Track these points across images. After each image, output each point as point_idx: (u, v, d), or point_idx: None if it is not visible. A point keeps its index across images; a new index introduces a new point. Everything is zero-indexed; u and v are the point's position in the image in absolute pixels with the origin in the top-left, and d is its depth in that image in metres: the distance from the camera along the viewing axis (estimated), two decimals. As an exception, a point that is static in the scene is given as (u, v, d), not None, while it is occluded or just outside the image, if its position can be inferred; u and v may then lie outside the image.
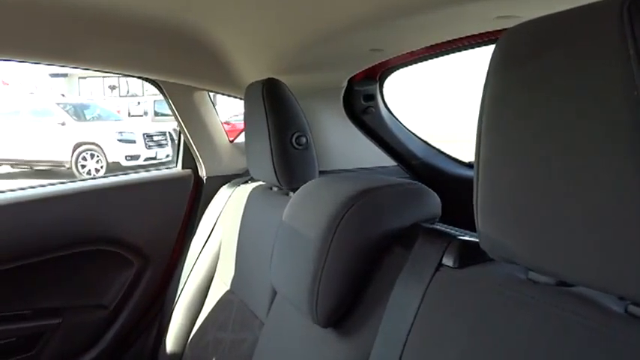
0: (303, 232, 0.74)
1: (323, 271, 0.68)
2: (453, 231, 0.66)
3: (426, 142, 1.54)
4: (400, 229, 0.70)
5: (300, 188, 0.84)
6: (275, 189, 1.15)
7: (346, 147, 1.43)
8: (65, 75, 18.35)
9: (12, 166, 8.23)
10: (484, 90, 0.46)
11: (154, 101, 10.49)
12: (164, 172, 1.49)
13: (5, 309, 1.30)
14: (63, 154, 7.74)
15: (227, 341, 1.06)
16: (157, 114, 10.32)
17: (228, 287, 1.15)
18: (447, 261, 0.59)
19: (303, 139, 1.05)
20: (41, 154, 7.83)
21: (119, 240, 1.38)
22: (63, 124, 7.96)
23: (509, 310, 0.49)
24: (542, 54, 0.40)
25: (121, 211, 1.38)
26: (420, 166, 1.50)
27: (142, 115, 10.59)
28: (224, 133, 1.50)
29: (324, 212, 0.71)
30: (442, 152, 1.54)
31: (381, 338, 0.62)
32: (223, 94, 1.43)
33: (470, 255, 0.58)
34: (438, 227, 0.69)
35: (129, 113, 10.75)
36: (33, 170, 8.04)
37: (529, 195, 0.42)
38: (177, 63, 1.22)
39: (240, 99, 1.33)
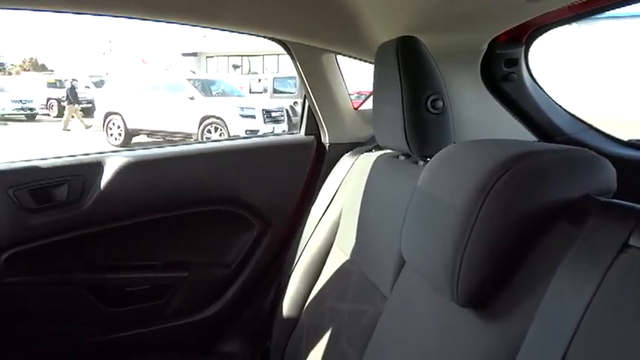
0: (444, 200, 0.66)
1: (467, 246, 0.60)
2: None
3: (574, 116, 1.35)
4: (567, 202, 0.58)
5: (439, 153, 0.75)
6: (402, 157, 1.07)
7: (481, 118, 1.29)
8: (195, 54, 19.82)
9: (147, 135, 9.09)
10: None
11: (274, 78, 10.88)
12: (288, 137, 1.49)
13: (141, 259, 1.40)
14: (191, 127, 8.36)
15: (345, 312, 1.02)
16: (275, 91, 10.71)
17: (347, 257, 1.10)
18: (636, 241, 0.48)
19: (440, 103, 0.96)
20: (173, 125, 8.54)
21: (242, 202, 1.41)
22: (192, 98, 8.59)
23: None
24: None
25: (245, 173, 1.41)
26: (567, 143, 1.31)
27: (261, 92, 11.04)
28: (349, 99, 1.45)
29: (471, 178, 0.62)
30: (594, 128, 1.33)
31: (538, 326, 0.53)
32: (351, 57, 1.37)
33: None
34: (618, 201, 0.56)
35: (250, 90, 11.28)
36: (165, 140, 8.81)
37: None
38: (308, 23, 1.19)
39: (369, 62, 1.27)
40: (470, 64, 1.28)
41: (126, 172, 1.31)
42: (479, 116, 1.31)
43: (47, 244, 1.28)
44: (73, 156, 1.35)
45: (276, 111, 8.56)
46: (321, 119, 1.42)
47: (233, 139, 1.51)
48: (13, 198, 1.23)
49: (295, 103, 9.36)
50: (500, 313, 0.59)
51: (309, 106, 1.46)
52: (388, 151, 1.15)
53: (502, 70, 1.28)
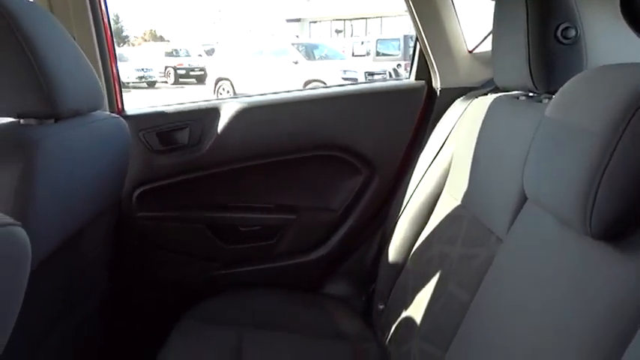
0: (579, 125, 0.60)
1: (605, 173, 0.54)
2: None
3: None
4: None
5: (571, 80, 0.69)
6: (523, 98, 1.00)
7: (618, 49, 1.15)
8: (298, 20, 20.03)
9: (254, 99, 9.45)
10: None
11: (377, 40, 10.68)
12: (397, 82, 1.46)
13: (253, 201, 1.48)
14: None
15: (455, 256, 0.99)
16: (378, 54, 10.52)
17: (458, 202, 1.07)
18: None
19: (572, 32, 0.87)
20: (278, 89, 8.78)
21: (350, 148, 1.42)
22: (296, 62, 8.74)
23: None
24: None
25: (354, 120, 1.41)
26: None
27: (364, 55, 10.93)
28: (464, 40, 1.37)
29: (613, 99, 0.56)
30: None
31: None
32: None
33: None
34: None
35: (352, 53, 11.21)
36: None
37: None
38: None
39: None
40: None
41: (241, 117, 1.37)
42: (616, 47, 1.17)
43: (171, 184, 1.40)
44: (194, 102, 1.45)
45: (379, 73, 8.45)
46: (433, 62, 1.36)
47: (343, 86, 1.51)
48: (143, 140, 1.35)
49: (398, 65, 9.13)
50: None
51: (420, 49, 1.41)
52: (507, 93, 1.08)
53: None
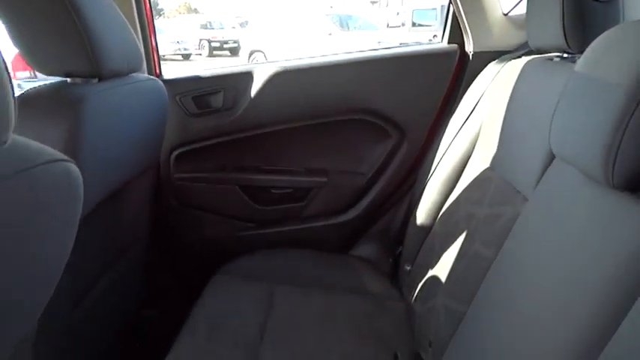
0: (605, 79, 0.60)
1: (629, 124, 0.55)
2: None
3: None
4: None
5: (602, 35, 0.68)
6: (557, 59, 0.98)
7: None
8: (333, -10, 19.65)
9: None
10: None
11: (413, 11, 10.41)
12: (429, 46, 1.45)
13: (285, 164, 1.52)
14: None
15: (481, 215, 1.01)
16: (414, 24, 10.26)
17: (487, 165, 1.08)
18: None
19: None
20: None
21: (381, 112, 1.43)
22: (330, 34, 8.64)
23: None
24: None
25: (385, 84, 1.41)
26: None
27: (399, 26, 10.69)
28: (498, 2, 1.34)
29: None
30: None
31: None
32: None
33: None
34: None
35: (387, 24, 10.98)
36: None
37: None
38: None
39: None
40: None
41: (273, 81, 1.40)
42: None
43: (206, 146, 1.45)
44: (228, 67, 1.48)
45: (413, 44, 8.27)
46: (466, 25, 1.35)
47: (375, 50, 1.51)
48: (180, 104, 1.40)
49: (434, 36, 8.91)
50: None
51: (453, 12, 1.39)
52: (540, 55, 1.06)
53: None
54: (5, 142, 0.41)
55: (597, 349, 0.53)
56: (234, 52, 12.75)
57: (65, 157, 0.50)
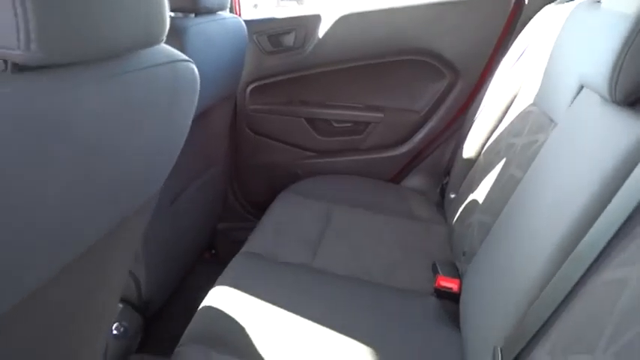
0: (621, 10, 0.71)
1: (632, 45, 0.66)
2: None
3: None
4: None
5: None
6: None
7: None
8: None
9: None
10: None
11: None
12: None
13: (346, 100, 1.68)
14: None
15: (519, 145, 1.12)
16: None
17: (531, 101, 1.18)
18: None
19: None
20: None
21: (436, 53, 1.54)
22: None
23: None
24: None
25: (442, 27, 1.51)
26: None
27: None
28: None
29: None
30: None
31: None
32: None
33: None
34: None
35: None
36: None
37: None
38: None
39: None
40: None
41: (339, 24, 1.54)
42: None
43: (278, 82, 1.64)
44: (300, 10, 1.64)
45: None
46: None
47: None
48: (256, 42, 1.58)
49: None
50: None
51: (512, -42, 1.45)
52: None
53: None
54: (162, 41, 0.59)
55: (582, 233, 0.66)
56: (300, 0, 12.71)
57: (189, 58, 0.68)
